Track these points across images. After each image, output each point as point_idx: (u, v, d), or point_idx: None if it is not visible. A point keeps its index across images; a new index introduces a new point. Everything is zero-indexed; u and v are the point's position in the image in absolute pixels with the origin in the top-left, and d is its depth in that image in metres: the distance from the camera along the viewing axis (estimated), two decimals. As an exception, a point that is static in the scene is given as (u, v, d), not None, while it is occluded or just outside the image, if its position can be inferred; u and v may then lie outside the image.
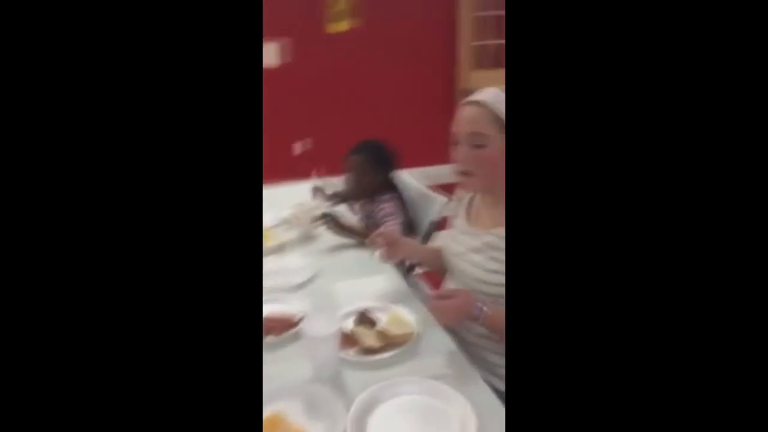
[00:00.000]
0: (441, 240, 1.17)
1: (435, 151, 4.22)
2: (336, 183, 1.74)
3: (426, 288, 1.47)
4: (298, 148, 3.93)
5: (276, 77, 3.51)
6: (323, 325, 0.81)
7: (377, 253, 1.10)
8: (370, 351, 0.87)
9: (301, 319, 0.95)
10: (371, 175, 1.52)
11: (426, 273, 1.56)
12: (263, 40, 3.19)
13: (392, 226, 1.42)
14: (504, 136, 0.88)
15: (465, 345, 0.96)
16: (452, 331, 0.97)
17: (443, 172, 4.22)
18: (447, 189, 1.63)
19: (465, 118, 0.92)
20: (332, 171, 2.05)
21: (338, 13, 3.66)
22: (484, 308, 0.86)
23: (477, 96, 0.92)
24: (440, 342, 0.92)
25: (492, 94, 0.91)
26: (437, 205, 1.46)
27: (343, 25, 3.70)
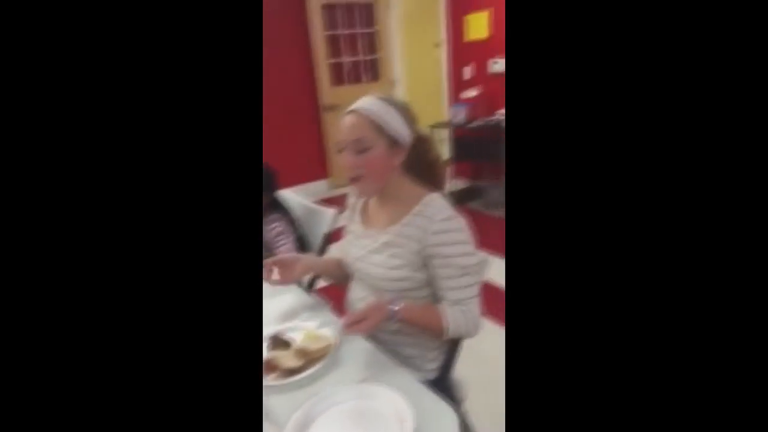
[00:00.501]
0: (338, 249, 1.19)
1: (306, 168, 4.25)
2: None
3: (329, 304, 1.47)
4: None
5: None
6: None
7: (272, 279, 1.06)
8: (292, 372, 0.85)
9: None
10: (263, 192, 1.47)
11: (326, 287, 1.57)
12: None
13: (285, 244, 1.39)
14: (385, 139, 0.94)
15: (379, 344, 0.99)
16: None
17: (320, 188, 4.27)
18: (327, 202, 1.67)
19: (346, 127, 0.96)
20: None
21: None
22: (396, 308, 0.91)
23: (354, 105, 0.97)
24: (357, 346, 0.94)
25: (367, 102, 0.96)
26: (327, 218, 1.48)
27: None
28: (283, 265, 1.07)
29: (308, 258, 1.22)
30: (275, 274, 1.06)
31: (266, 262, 1.06)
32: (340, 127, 0.97)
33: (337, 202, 3.72)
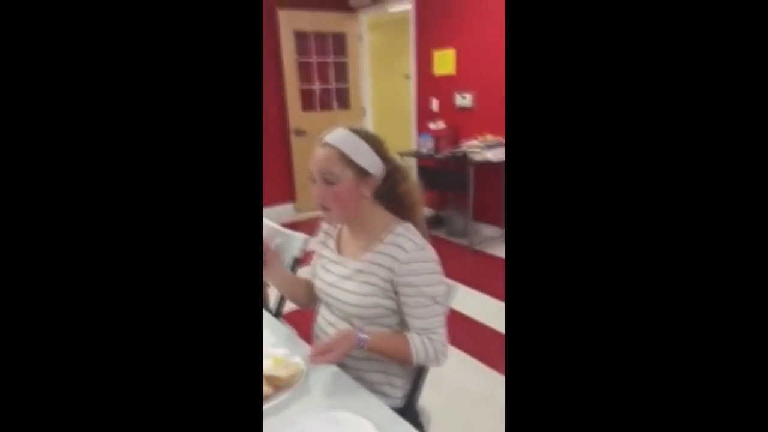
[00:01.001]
0: (309, 272, 1.20)
1: (274, 191, 4.23)
2: None
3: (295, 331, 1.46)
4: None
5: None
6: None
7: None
8: (263, 399, 0.84)
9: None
10: None
11: (292, 313, 1.56)
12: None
13: None
14: (353, 171, 0.98)
15: (345, 369, 1.00)
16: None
17: (286, 212, 4.24)
18: (292, 226, 1.68)
19: (317, 158, 1.00)
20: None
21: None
22: (364, 337, 0.93)
23: (326, 138, 1.01)
24: (326, 373, 0.95)
25: (338, 135, 1.01)
26: (298, 242, 1.49)
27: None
28: (266, 259, 1.10)
29: (282, 267, 1.23)
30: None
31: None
32: (312, 158, 1.01)
33: (302, 226, 3.70)
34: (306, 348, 1.04)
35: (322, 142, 1.00)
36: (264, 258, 1.09)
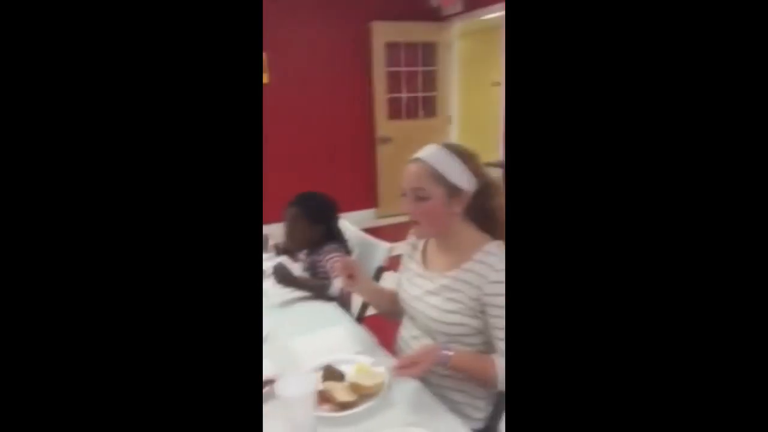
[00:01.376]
0: (393, 282, 1.21)
1: (357, 197, 4.36)
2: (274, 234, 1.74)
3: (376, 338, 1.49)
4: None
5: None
6: (299, 386, 0.80)
7: (339, 283, 1.13)
8: (344, 406, 0.87)
9: (269, 381, 0.92)
10: (308, 227, 1.53)
11: (374, 317, 1.59)
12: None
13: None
14: (444, 188, 0.98)
15: (426, 385, 0.99)
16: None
17: (367, 217, 4.35)
18: (373, 231, 1.71)
19: (408, 174, 1.01)
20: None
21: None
22: (449, 354, 0.92)
23: (419, 153, 1.01)
24: (409, 387, 0.95)
25: (431, 151, 1.00)
26: (381, 251, 1.51)
27: (262, 78, 3.76)
28: (350, 274, 1.12)
29: (368, 279, 1.25)
30: (341, 279, 1.12)
31: (334, 260, 1.12)
32: (404, 173, 1.02)
33: (383, 231, 3.74)
34: (388, 358, 1.05)
35: (415, 157, 1.01)
36: (349, 272, 1.11)
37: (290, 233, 1.57)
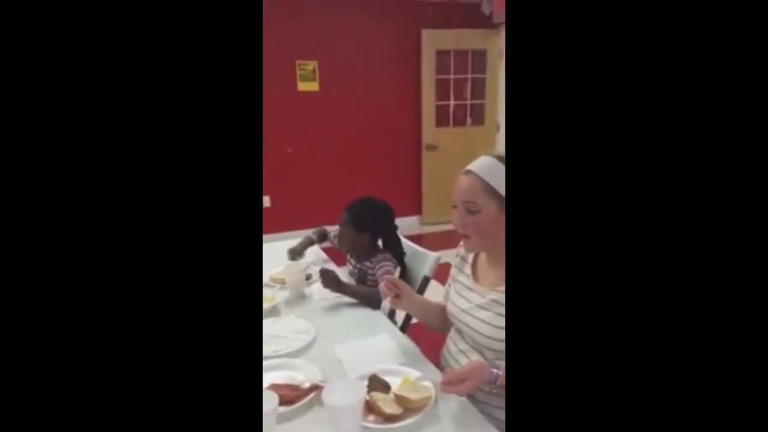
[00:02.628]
0: (439, 294, 1.19)
1: (402, 204, 4.36)
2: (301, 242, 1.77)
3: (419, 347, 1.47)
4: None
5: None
6: (347, 395, 0.79)
7: (386, 301, 1.11)
8: (389, 418, 0.86)
9: (314, 387, 0.93)
10: (354, 234, 1.52)
11: (418, 325, 1.56)
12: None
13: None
14: (497, 202, 0.95)
15: (474, 402, 0.96)
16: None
17: (411, 224, 4.33)
18: (416, 239, 1.69)
19: (460, 186, 0.99)
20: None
21: (307, 75, 3.84)
22: (499, 372, 0.88)
23: (471, 166, 0.99)
24: (456, 404, 0.92)
25: (483, 163, 0.98)
26: (429, 260, 1.49)
27: (312, 86, 3.86)
28: (399, 292, 1.11)
29: (418, 296, 1.24)
30: (390, 296, 1.12)
31: (386, 279, 1.13)
32: (456, 185, 1.00)
33: (427, 239, 3.70)
34: (434, 371, 1.03)
35: (467, 169, 0.99)
36: (395, 291, 1.10)
37: (339, 238, 1.59)
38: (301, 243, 1.76)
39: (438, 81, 4.16)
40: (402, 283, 1.13)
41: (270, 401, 0.78)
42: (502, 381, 0.88)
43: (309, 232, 1.82)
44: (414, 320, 1.46)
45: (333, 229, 1.78)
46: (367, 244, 1.54)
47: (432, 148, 4.23)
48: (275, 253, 1.76)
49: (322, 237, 1.79)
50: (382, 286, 1.13)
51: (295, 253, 1.73)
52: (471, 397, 0.97)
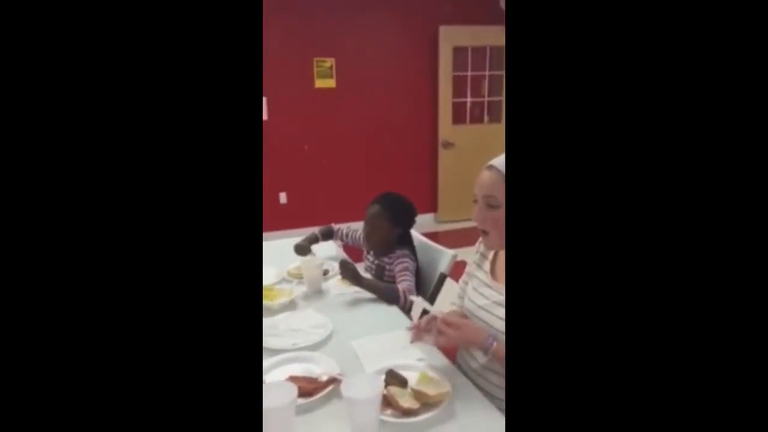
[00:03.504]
0: (456, 291, 1.19)
1: (418, 201, 4.35)
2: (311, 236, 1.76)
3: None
4: (283, 198, 3.96)
5: (266, 131, 3.59)
6: (365, 388, 0.80)
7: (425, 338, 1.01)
8: (406, 412, 0.86)
9: (332, 380, 0.93)
10: (389, 228, 1.50)
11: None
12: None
13: (407, 281, 1.42)
14: None
15: (491, 399, 0.96)
16: (458, 362, 1.03)
17: (426, 221, 4.32)
18: (430, 237, 1.68)
19: (481, 181, 0.98)
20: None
21: (324, 71, 3.85)
22: (494, 342, 0.94)
23: (493, 161, 0.98)
24: (474, 400, 0.92)
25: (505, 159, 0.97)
26: (446, 258, 1.49)
27: (329, 83, 3.88)
28: (427, 327, 1.01)
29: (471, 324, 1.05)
30: (430, 334, 1.00)
31: (434, 321, 0.98)
32: (477, 180, 0.99)
33: (442, 236, 3.68)
34: (450, 366, 1.03)
35: (489, 164, 0.98)
36: (427, 327, 1.01)
37: (369, 232, 1.52)
38: (306, 239, 1.75)
39: (455, 78, 4.13)
40: (431, 321, 1.01)
41: (290, 392, 0.79)
42: (497, 352, 0.92)
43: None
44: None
45: (344, 226, 1.78)
46: (395, 238, 1.53)
47: (448, 145, 4.21)
48: (292, 249, 1.77)
49: (327, 235, 1.75)
50: (413, 333, 1.02)
51: (301, 250, 1.72)
52: (489, 396, 0.97)
